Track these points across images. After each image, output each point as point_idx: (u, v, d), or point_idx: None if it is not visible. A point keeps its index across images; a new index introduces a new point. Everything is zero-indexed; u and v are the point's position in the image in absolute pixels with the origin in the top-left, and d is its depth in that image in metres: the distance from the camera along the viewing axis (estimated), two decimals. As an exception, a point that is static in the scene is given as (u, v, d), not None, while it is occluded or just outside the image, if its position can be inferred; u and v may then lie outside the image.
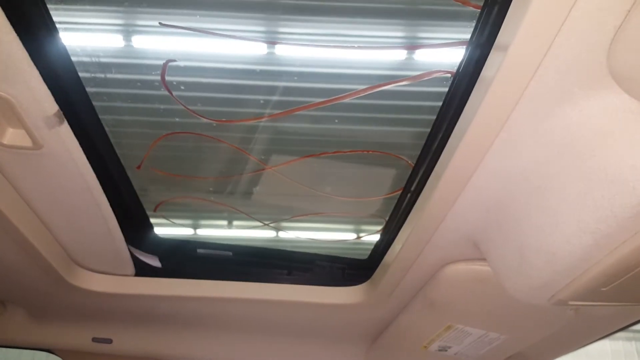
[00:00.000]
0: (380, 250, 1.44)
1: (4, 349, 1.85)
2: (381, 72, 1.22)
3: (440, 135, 0.99)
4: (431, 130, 1.02)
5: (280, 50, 1.19)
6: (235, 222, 1.81)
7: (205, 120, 1.22)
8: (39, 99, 0.88)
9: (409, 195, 1.19)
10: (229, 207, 1.66)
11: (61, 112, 0.93)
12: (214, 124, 1.25)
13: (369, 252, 1.54)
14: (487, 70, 0.79)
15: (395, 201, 1.30)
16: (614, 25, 0.66)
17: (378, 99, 1.27)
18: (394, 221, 1.31)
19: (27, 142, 0.96)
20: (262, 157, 1.39)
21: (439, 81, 1.07)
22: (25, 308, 1.73)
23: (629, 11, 0.64)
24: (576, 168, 0.79)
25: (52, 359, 1.92)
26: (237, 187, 1.53)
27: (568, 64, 0.72)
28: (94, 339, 1.76)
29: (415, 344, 1.62)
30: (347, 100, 1.19)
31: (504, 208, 0.98)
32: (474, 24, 0.83)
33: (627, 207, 0.72)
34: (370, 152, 1.42)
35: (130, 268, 1.51)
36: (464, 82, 0.87)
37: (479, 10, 0.80)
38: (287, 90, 1.24)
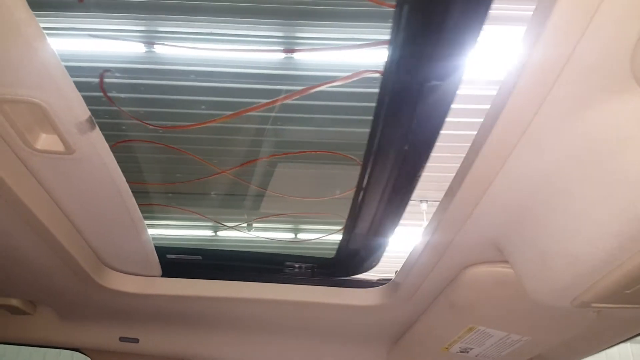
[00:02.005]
0: (345, 248, 1.44)
1: (29, 348, 1.89)
2: (316, 73, 1.23)
3: (378, 135, 0.99)
4: (371, 130, 1.02)
5: (214, 51, 1.20)
6: (200, 225, 1.82)
7: (150, 127, 1.23)
8: (72, 106, 0.90)
9: (362, 193, 1.19)
10: (190, 212, 1.68)
11: (92, 118, 0.96)
12: (160, 131, 1.26)
13: (335, 251, 1.54)
14: (506, 75, 0.80)
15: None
16: (637, 30, 0.67)
17: (316, 100, 1.28)
18: (353, 219, 1.30)
19: (60, 147, 0.99)
20: (215, 161, 1.40)
21: (375, 82, 1.06)
22: (55, 308, 1.77)
23: None
24: (598, 171, 0.80)
25: (77, 357, 1.95)
26: (196, 192, 1.55)
27: (591, 69, 0.72)
28: (121, 339, 1.79)
29: (436, 345, 1.62)
30: (288, 101, 1.19)
31: (526, 211, 0.99)
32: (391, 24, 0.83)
33: None
34: (319, 152, 1.43)
35: (157, 269, 1.54)
36: (391, 81, 0.87)
37: (394, 9, 0.80)
38: (225, 92, 1.25)
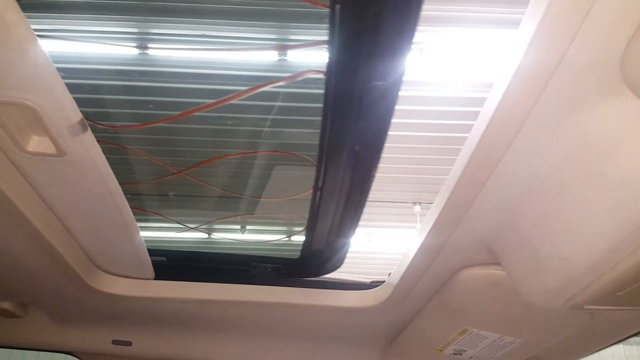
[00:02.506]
0: (309, 248, 1.44)
1: (22, 351, 1.88)
2: (261, 73, 1.23)
3: (327, 135, 1.00)
4: (321, 130, 1.03)
5: (155, 51, 1.20)
6: (163, 227, 1.81)
7: (99, 126, 1.22)
8: (63, 108, 0.90)
9: (318, 193, 1.20)
10: (150, 212, 1.67)
11: (84, 120, 0.95)
12: (111, 130, 1.25)
13: (299, 251, 1.55)
14: (498, 78, 0.80)
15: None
16: (626, 34, 0.67)
17: (266, 101, 1.28)
18: (313, 220, 1.31)
19: (51, 150, 0.98)
20: (169, 161, 1.40)
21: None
22: (47, 311, 1.76)
23: None
24: (590, 173, 0.80)
25: (69, 360, 1.94)
26: (154, 193, 1.54)
27: (582, 72, 0.73)
28: (114, 342, 1.78)
29: (430, 347, 1.62)
30: (235, 102, 1.19)
31: (519, 213, 0.99)
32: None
33: None
34: (272, 152, 1.43)
35: (150, 272, 1.54)
36: (334, 82, 0.88)
37: (328, 9, 0.80)
38: (169, 92, 1.25)
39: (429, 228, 1.13)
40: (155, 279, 1.57)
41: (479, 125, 0.87)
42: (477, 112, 0.88)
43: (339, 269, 1.57)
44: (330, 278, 1.66)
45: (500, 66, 0.81)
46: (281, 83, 1.13)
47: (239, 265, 1.63)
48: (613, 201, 0.76)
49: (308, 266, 1.50)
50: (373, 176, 1.11)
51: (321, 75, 0.91)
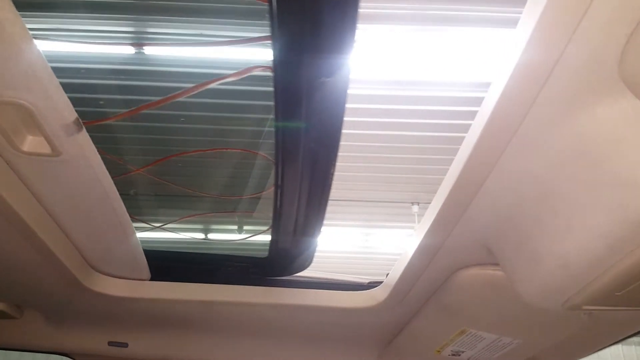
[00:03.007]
0: (277, 247, 1.44)
1: (18, 353, 1.87)
2: (209, 70, 1.22)
3: (281, 133, 1.00)
4: (275, 128, 1.03)
5: (106, 48, 1.19)
6: None
7: None
8: (58, 107, 0.89)
9: (279, 191, 1.20)
10: None
11: (80, 120, 0.95)
12: None
13: (267, 250, 1.54)
14: (496, 78, 0.80)
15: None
16: (625, 32, 0.67)
17: (216, 98, 1.27)
18: (277, 218, 1.31)
19: (46, 149, 0.98)
20: (126, 159, 1.39)
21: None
22: (42, 312, 1.75)
23: None
24: (589, 173, 0.80)
25: (65, 361, 1.94)
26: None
27: (580, 71, 0.73)
28: (110, 343, 1.78)
29: (428, 348, 1.62)
30: (183, 99, 1.19)
31: (517, 213, 0.99)
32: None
33: None
34: (229, 149, 1.42)
35: (146, 272, 1.53)
36: (281, 78, 0.88)
37: (267, 5, 0.81)
38: (120, 89, 1.24)
39: (426, 228, 1.13)
40: (151, 279, 1.57)
41: (477, 125, 0.87)
42: (476, 112, 0.87)
43: (335, 270, 1.56)
44: (328, 279, 1.65)
45: (498, 66, 0.80)
46: (229, 79, 1.12)
47: (206, 264, 1.63)
48: (611, 201, 0.76)
49: (276, 265, 1.50)
50: (332, 174, 1.12)
51: (269, 72, 0.91)
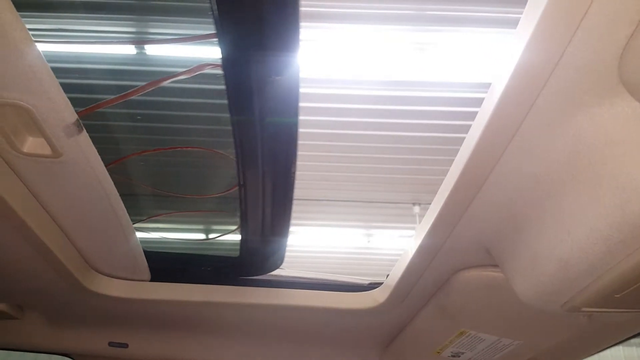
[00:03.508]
0: (248, 246, 1.44)
1: (20, 353, 1.88)
2: (162, 68, 1.21)
3: (237, 132, 1.01)
4: (232, 127, 1.03)
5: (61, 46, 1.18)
6: None
7: None
8: (59, 109, 0.90)
9: (242, 190, 1.20)
10: None
11: (80, 121, 0.95)
12: None
13: (238, 249, 1.54)
14: (496, 79, 0.80)
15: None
16: (625, 34, 0.67)
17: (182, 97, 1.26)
18: (244, 218, 1.30)
19: (47, 151, 0.98)
20: None
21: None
22: (43, 313, 1.76)
23: None
24: (588, 175, 0.80)
25: (67, 362, 1.94)
26: None
27: (580, 73, 0.73)
28: (110, 344, 1.78)
29: (428, 349, 1.62)
30: (138, 97, 1.19)
31: (517, 215, 0.99)
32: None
33: (639, 215, 0.72)
34: (189, 148, 1.41)
35: (146, 273, 1.53)
36: (232, 76, 0.89)
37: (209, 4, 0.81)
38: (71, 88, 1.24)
39: (427, 229, 1.13)
40: (151, 280, 1.57)
41: (477, 126, 0.87)
42: (477, 113, 0.87)
43: (336, 271, 1.56)
44: (328, 280, 1.65)
45: (499, 66, 0.80)
46: (180, 77, 1.12)
47: (177, 264, 1.63)
48: (610, 203, 0.76)
49: (248, 264, 1.50)
50: (293, 173, 1.12)
51: (219, 70, 0.92)
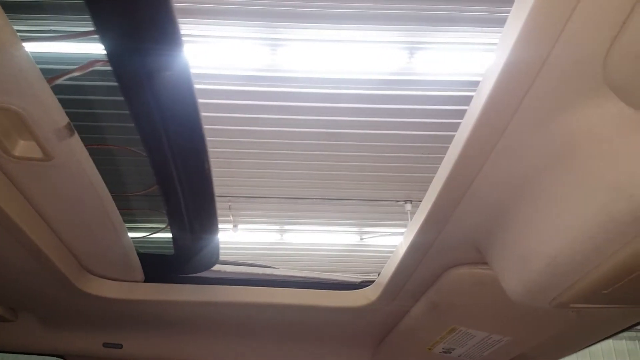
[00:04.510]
0: (179, 244, 1.44)
1: (15, 355, 1.87)
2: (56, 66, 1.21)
3: (139, 129, 1.00)
4: (134, 124, 1.02)
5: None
6: None
7: None
8: (49, 112, 0.90)
9: (161, 188, 1.19)
10: None
11: (71, 124, 0.95)
12: None
13: (172, 247, 1.53)
14: (483, 79, 0.81)
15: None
16: (610, 35, 0.68)
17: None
18: (170, 215, 1.30)
19: (38, 154, 0.98)
20: None
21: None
22: (37, 315, 1.75)
23: (624, 22, 0.66)
24: (575, 174, 0.81)
25: (61, 363, 1.93)
26: None
27: (566, 73, 0.73)
28: (105, 345, 1.78)
29: (420, 346, 1.63)
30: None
31: (506, 213, 1.00)
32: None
33: (626, 213, 0.73)
34: (105, 146, 1.40)
35: (140, 274, 1.53)
36: (120, 72, 0.88)
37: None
38: None
39: (417, 227, 1.13)
40: (145, 281, 1.57)
41: (465, 125, 0.87)
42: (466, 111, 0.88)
43: (329, 268, 1.56)
44: (321, 278, 1.66)
45: (486, 65, 0.81)
46: (73, 74, 1.11)
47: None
48: (597, 201, 0.77)
49: (183, 262, 1.49)
50: (208, 169, 1.10)
51: (109, 67, 0.90)
